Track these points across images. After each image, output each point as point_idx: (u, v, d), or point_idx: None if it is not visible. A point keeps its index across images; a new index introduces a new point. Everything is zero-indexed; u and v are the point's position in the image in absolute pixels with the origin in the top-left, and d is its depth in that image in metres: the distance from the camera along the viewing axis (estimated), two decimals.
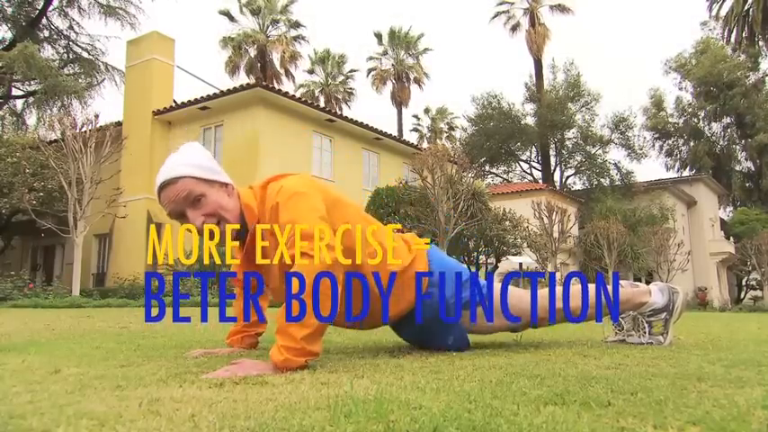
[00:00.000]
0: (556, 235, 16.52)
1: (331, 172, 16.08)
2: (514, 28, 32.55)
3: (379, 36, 35.13)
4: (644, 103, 44.91)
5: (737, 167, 39.26)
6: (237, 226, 1.72)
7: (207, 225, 1.67)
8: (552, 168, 32.05)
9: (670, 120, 39.01)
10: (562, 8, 31.87)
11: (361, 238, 1.77)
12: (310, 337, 1.47)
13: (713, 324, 4.44)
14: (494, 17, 33.07)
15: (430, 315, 1.91)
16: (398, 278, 1.84)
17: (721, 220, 35.02)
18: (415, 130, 38.92)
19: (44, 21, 19.62)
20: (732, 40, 24.81)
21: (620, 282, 2.28)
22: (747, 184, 38.85)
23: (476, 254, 15.99)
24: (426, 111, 38.54)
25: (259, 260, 1.76)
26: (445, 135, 37.81)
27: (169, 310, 6.54)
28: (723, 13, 25.09)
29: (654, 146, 39.25)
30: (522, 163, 34.34)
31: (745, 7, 22.88)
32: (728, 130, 38.80)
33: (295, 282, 1.49)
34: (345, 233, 1.70)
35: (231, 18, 29.89)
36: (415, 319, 1.93)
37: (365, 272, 1.77)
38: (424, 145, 27.03)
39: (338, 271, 1.56)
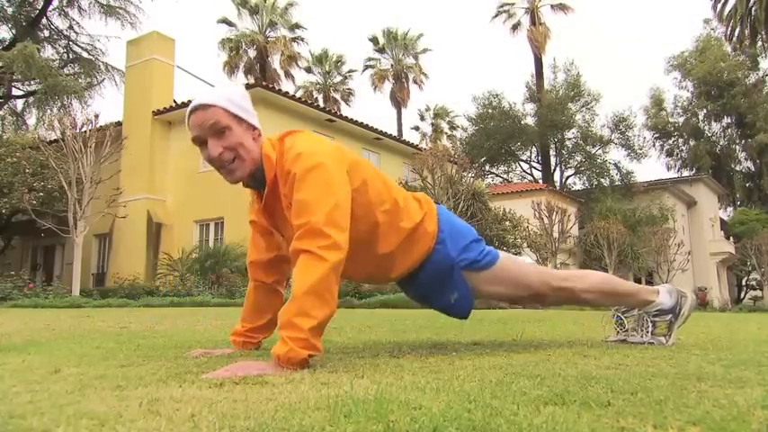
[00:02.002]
0: (556, 235, 16.53)
1: None
2: (515, 27, 32.55)
3: (374, 40, 35.06)
4: (645, 102, 44.93)
5: (737, 167, 39.28)
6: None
7: (223, 157, 1.68)
8: (552, 168, 32.04)
9: (670, 119, 39.02)
10: (563, 7, 31.86)
11: (377, 195, 1.80)
12: (315, 329, 1.49)
13: (713, 324, 4.44)
14: (494, 16, 33.07)
15: (435, 273, 1.95)
16: (409, 235, 1.88)
17: (721, 220, 35.03)
18: (416, 128, 38.93)
19: (44, 21, 19.61)
20: (735, 39, 24.81)
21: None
22: (747, 184, 38.86)
23: None
24: (428, 110, 38.55)
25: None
26: (446, 135, 37.81)
27: (169, 311, 6.55)
28: (726, 11, 25.09)
29: (654, 145, 39.30)
30: (522, 163, 34.36)
31: (749, 6, 22.88)
32: (729, 130, 38.82)
33: (301, 278, 1.51)
34: (362, 190, 1.73)
35: (230, 24, 29.89)
36: (420, 275, 1.97)
37: (379, 228, 1.81)
38: (426, 144, 27.04)
39: (342, 268, 1.58)
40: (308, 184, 1.61)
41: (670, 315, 2.15)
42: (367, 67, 35.47)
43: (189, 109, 1.71)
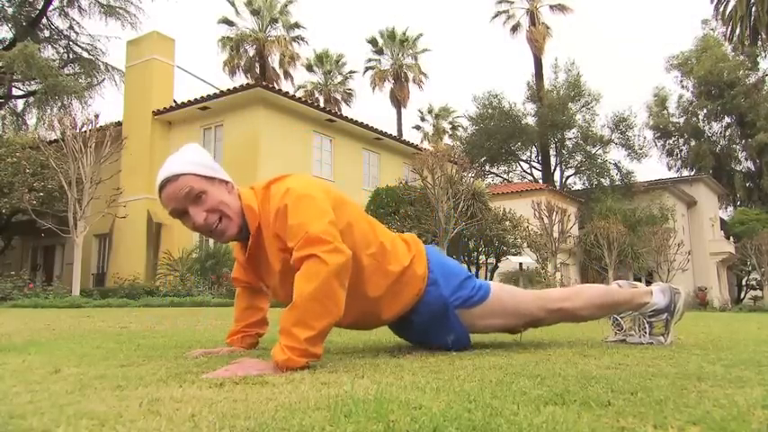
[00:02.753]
0: (556, 235, 16.52)
1: (331, 172, 16.08)
2: (515, 28, 32.56)
3: (373, 41, 35.05)
4: (646, 100, 44.91)
5: (737, 167, 39.27)
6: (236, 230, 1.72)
7: (208, 222, 1.68)
8: (552, 168, 32.04)
9: (672, 119, 39.01)
10: (562, 7, 31.88)
11: (362, 237, 1.78)
12: (314, 339, 1.48)
13: (713, 324, 4.44)
14: (494, 17, 33.09)
15: (429, 314, 1.92)
16: (397, 278, 1.84)
17: (721, 219, 35.02)
18: (417, 128, 38.93)
19: (44, 21, 19.62)
20: (735, 39, 24.81)
21: (619, 282, 2.28)
22: (747, 184, 38.85)
23: (476, 254, 15.99)
24: (430, 111, 38.54)
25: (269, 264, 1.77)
26: (448, 134, 37.81)
27: (169, 310, 6.55)
28: (727, 12, 25.08)
29: (655, 145, 39.30)
30: (522, 163, 34.35)
31: (749, 7, 22.88)
32: (729, 130, 38.81)
33: (303, 284, 1.50)
34: (347, 233, 1.70)
35: (230, 23, 29.89)
36: (414, 318, 1.94)
37: (365, 272, 1.78)
38: (427, 144, 27.03)
39: (346, 275, 1.57)
40: (300, 210, 1.61)
41: (666, 314, 2.15)
42: (367, 68, 35.50)
43: (158, 185, 1.69)
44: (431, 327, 1.95)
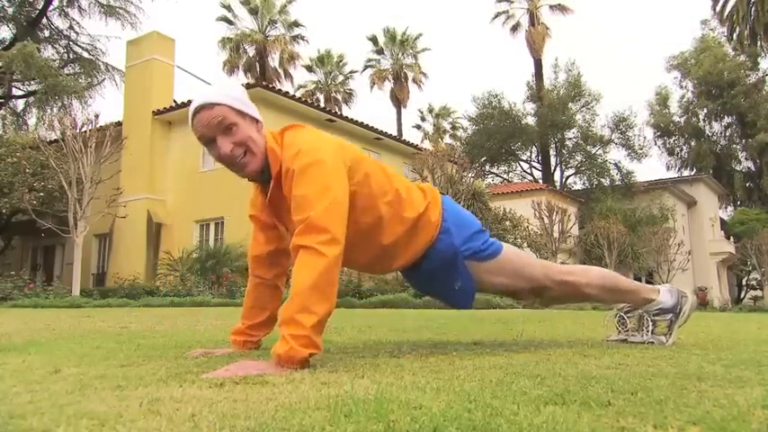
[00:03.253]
0: (556, 235, 16.53)
1: None
2: (515, 28, 32.56)
3: (374, 39, 35.08)
4: (648, 99, 44.91)
5: (738, 167, 39.28)
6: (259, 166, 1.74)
7: (234, 153, 1.70)
8: (552, 168, 32.04)
9: (673, 119, 39.02)
10: (562, 8, 31.89)
11: (379, 187, 1.81)
12: (317, 326, 1.50)
13: (713, 324, 4.44)
14: (494, 17, 33.10)
15: (439, 262, 1.96)
16: (412, 224, 1.88)
17: (721, 219, 35.02)
18: (417, 127, 38.94)
19: (44, 21, 19.61)
20: (734, 39, 24.81)
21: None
22: (748, 184, 38.86)
23: None
24: (430, 111, 38.55)
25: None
26: (448, 134, 37.83)
27: (169, 310, 6.55)
28: (726, 12, 25.08)
29: (656, 144, 39.31)
30: (522, 163, 34.35)
31: (749, 7, 22.88)
32: (729, 130, 38.82)
33: (302, 275, 1.52)
34: (365, 183, 1.75)
35: (230, 22, 29.90)
36: (424, 264, 1.98)
37: (382, 219, 1.82)
38: (427, 144, 27.02)
39: (340, 263, 1.59)
40: (307, 180, 1.62)
41: (671, 314, 2.15)
42: (367, 66, 35.51)
43: (192, 109, 1.71)
44: (439, 273, 1.99)
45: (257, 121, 1.79)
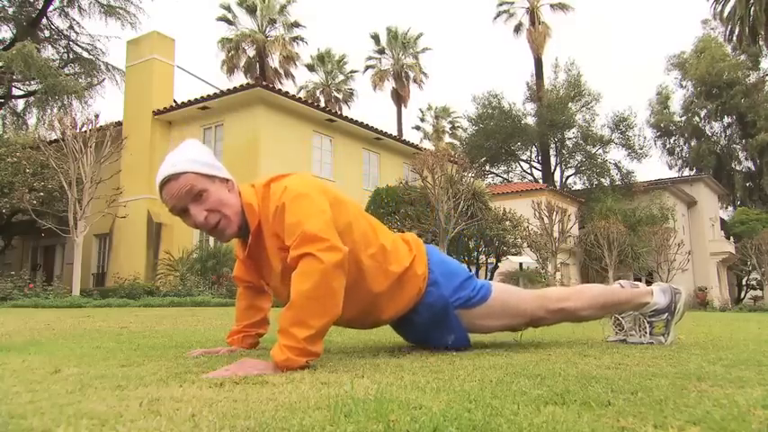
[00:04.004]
0: (556, 235, 16.52)
1: (331, 172, 16.08)
2: (517, 29, 32.58)
3: (376, 38, 35.13)
4: (649, 98, 44.91)
5: (738, 167, 39.28)
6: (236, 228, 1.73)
7: (209, 220, 1.68)
8: (552, 168, 32.04)
9: (673, 119, 39.02)
10: (562, 6, 31.90)
11: (362, 237, 1.78)
12: (312, 338, 1.48)
13: (713, 324, 4.44)
14: (496, 17, 33.10)
15: (429, 315, 1.92)
16: (398, 278, 1.84)
17: (721, 219, 35.01)
18: (417, 128, 38.96)
19: (44, 21, 19.62)
20: (734, 39, 24.80)
21: (620, 282, 2.28)
22: (748, 184, 38.87)
23: (476, 254, 15.98)
24: (429, 109, 38.55)
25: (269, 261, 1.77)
26: (448, 134, 37.84)
27: (169, 310, 6.55)
28: (726, 12, 25.06)
29: (656, 144, 39.32)
30: (522, 163, 34.34)
31: (748, 7, 22.87)
32: (729, 130, 38.82)
33: (299, 283, 1.50)
34: (347, 232, 1.70)
35: (229, 22, 29.91)
36: (414, 318, 1.94)
37: (365, 272, 1.77)
38: (427, 144, 27.03)
39: (342, 273, 1.56)
40: (297, 208, 1.62)
41: (666, 314, 2.15)
42: (368, 67, 35.52)
43: (159, 183, 1.69)
44: (431, 327, 1.95)
45: (227, 180, 1.75)
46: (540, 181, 29.97)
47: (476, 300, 1.94)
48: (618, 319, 2.27)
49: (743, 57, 33.92)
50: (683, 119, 38.96)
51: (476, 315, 1.95)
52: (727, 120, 38.19)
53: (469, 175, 14.01)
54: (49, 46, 19.96)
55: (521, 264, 18.01)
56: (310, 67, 34.39)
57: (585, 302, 2.09)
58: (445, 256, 2.09)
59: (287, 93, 15.20)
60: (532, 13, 32.14)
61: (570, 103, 30.22)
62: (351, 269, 1.72)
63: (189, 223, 1.72)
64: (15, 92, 19.28)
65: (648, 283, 2.31)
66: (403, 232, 2.10)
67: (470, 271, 1.96)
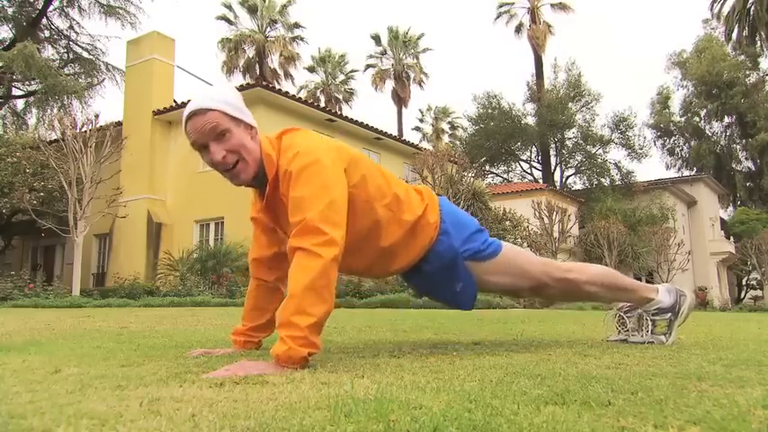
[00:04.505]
0: (556, 235, 16.53)
1: None
2: (518, 29, 32.59)
3: (376, 38, 35.13)
4: (650, 98, 44.88)
5: (738, 167, 39.28)
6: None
7: (227, 160, 1.69)
8: (552, 168, 32.04)
9: (673, 118, 39.02)
10: (563, 6, 31.91)
11: (376, 189, 1.81)
12: (314, 326, 1.50)
13: (713, 324, 4.44)
14: (496, 18, 33.11)
15: (439, 264, 1.95)
16: (411, 227, 1.88)
17: (721, 219, 35.02)
18: (417, 128, 38.96)
19: (44, 21, 19.61)
20: (734, 38, 24.79)
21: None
22: (748, 184, 38.87)
23: None
24: (429, 109, 38.57)
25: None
26: (447, 135, 37.84)
27: (169, 311, 6.55)
28: (725, 11, 25.05)
29: (656, 144, 39.32)
30: (522, 163, 34.35)
31: (747, 6, 22.86)
32: (729, 130, 38.83)
33: (298, 276, 1.52)
34: (361, 185, 1.74)
35: (230, 22, 29.91)
36: (424, 267, 1.97)
37: (380, 222, 1.81)
38: (426, 144, 27.01)
39: (338, 264, 1.59)
40: (304, 182, 1.62)
41: (669, 314, 2.15)
42: (368, 66, 35.52)
43: (186, 114, 1.70)
44: (440, 275, 1.98)
45: (252, 127, 1.76)
46: (540, 181, 29.97)
47: (485, 253, 1.96)
48: (622, 317, 2.26)
49: (743, 57, 33.92)
50: (683, 119, 38.96)
51: (483, 269, 1.97)
52: (727, 120, 38.20)
53: (469, 175, 14.02)
54: (49, 46, 19.95)
55: None
56: (311, 69, 34.41)
57: (589, 277, 2.11)
58: (457, 208, 2.11)
59: (287, 93, 15.20)
60: (533, 12, 32.15)
61: (570, 103, 30.23)
62: (365, 222, 1.77)
63: (206, 160, 1.73)
64: (15, 92, 19.28)
65: (649, 283, 2.30)
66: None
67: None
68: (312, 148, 1.69)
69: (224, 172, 1.73)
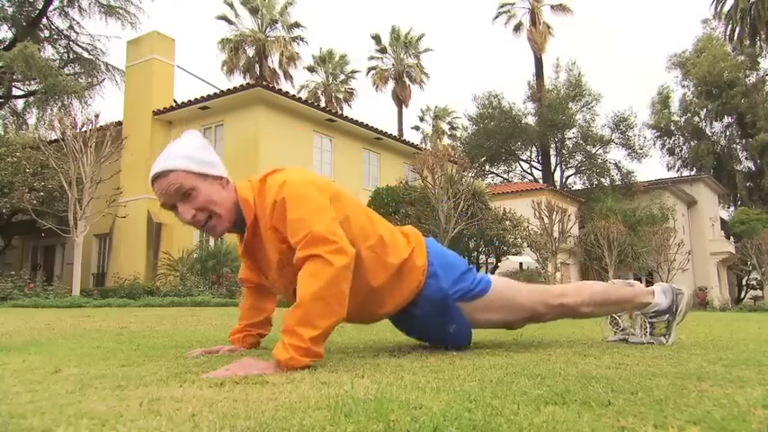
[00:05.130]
0: (556, 235, 16.52)
1: (331, 172, 16.08)
2: (517, 28, 32.59)
3: (377, 38, 35.14)
4: (650, 97, 44.86)
5: (738, 167, 39.28)
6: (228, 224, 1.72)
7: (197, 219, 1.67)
8: (552, 168, 32.04)
9: (673, 118, 39.02)
10: (563, 8, 31.93)
11: (360, 231, 1.77)
12: (317, 338, 1.48)
13: (713, 324, 4.44)
14: (496, 17, 33.11)
15: (430, 307, 1.91)
16: (397, 270, 1.83)
17: (721, 219, 35.01)
18: (416, 128, 38.97)
19: (44, 21, 19.61)
20: (735, 38, 24.77)
21: (614, 280, 2.28)
22: (748, 184, 38.87)
23: (476, 253, 15.99)
24: (428, 110, 38.58)
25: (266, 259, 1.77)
26: (447, 135, 37.84)
27: (169, 310, 6.55)
28: (726, 10, 25.02)
29: (655, 144, 39.32)
30: (522, 163, 34.35)
31: (749, 5, 22.85)
32: (729, 130, 38.83)
33: (308, 284, 1.50)
34: (345, 226, 1.69)
35: (230, 22, 29.92)
36: (414, 311, 1.93)
37: (364, 264, 1.76)
38: (426, 145, 27.01)
39: (350, 275, 1.57)
40: (300, 204, 1.61)
41: (667, 315, 2.14)
42: (370, 69, 35.51)
43: (150, 177, 1.69)
44: (432, 318, 1.94)
45: (221, 177, 1.73)
46: (540, 181, 29.97)
47: (475, 292, 1.92)
48: (614, 318, 2.26)
49: (743, 57, 33.92)
50: (683, 119, 38.96)
51: (474, 308, 1.94)
52: (727, 120, 38.20)
53: (469, 174, 14.02)
54: (49, 46, 19.96)
55: (521, 264, 18.04)
56: (311, 69, 34.41)
57: (585, 298, 2.07)
58: (444, 248, 2.08)
59: (287, 93, 15.21)
60: (533, 13, 32.16)
61: (571, 103, 30.22)
62: None
63: (180, 219, 1.72)
64: (15, 92, 19.28)
65: (649, 283, 2.30)
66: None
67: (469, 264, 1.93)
68: (300, 178, 1.69)
69: (200, 229, 1.73)
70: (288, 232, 1.61)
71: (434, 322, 1.95)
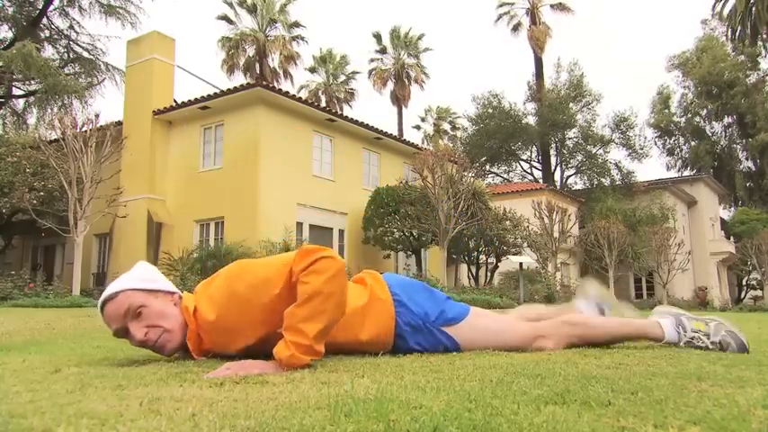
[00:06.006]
0: (556, 235, 16.52)
1: (331, 172, 16.08)
2: (516, 28, 32.58)
3: (378, 37, 35.15)
4: (650, 97, 44.88)
5: (738, 167, 39.27)
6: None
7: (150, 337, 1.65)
8: (553, 168, 32.03)
9: (673, 118, 39.02)
10: (563, 7, 31.92)
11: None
12: (320, 334, 1.50)
13: None
14: (497, 20, 33.11)
15: (414, 332, 1.93)
16: (361, 311, 1.84)
17: (722, 219, 35.01)
18: (417, 127, 38.97)
19: (45, 20, 19.61)
20: (735, 38, 24.76)
21: (578, 308, 2.27)
22: (748, 184, 38.86)
23: (476, 253, 15.99)
24: (429, 110, 38.58)
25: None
26: (447, 135, 37.84)
27: None
28: (726, 10, 25.01)
29: (656, 144, 39.32)
30: (522, 163, 34.33)
31: (749, 5, 22.83)
32: (729, 130, 38.83)
33: (315, 279, 1.52)
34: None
35: (230, 21, 29.93)
36: (400, 344, 1.94)
37: (343, 329, 1.78)
38: (427, 145, 27.01)
39: (346, 277, 1.60)
40: (251, 263, 1.68)
41: (713, 347, 2.09)
42: (371, 70, 35.50)
43: (99, 307, 1.69)
44: (422, 345, 1.96)
45: (171, 293, 1.73)
46: (541, 181, 29.96)
47: (451, 315, 1.96)
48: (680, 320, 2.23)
49: (743, 57, 33.91)
50: (684, 119, 38.96)
51: (461, 333, 1.96)
52: (727, 120, 38.19)
53: (469, 174, 14.02)
54: (49, 46, 19.95)
55: (521, 264, 18.01)
56: (312, 69, 34.42)
57: (562, 342, 2.04)
58: (406, 279, 2.10)
59: (287, 92, 15.19)
60: (533, 13, 32.15)
61: (571, 103, 30.22)
62: None
63: (133, 343, 1.70)
64: (15, 92, 19.28)
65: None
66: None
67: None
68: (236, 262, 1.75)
69: (152, 348, 1.70)
70: (262, 286, 1.60)
71: (425, 342, 1.96)
